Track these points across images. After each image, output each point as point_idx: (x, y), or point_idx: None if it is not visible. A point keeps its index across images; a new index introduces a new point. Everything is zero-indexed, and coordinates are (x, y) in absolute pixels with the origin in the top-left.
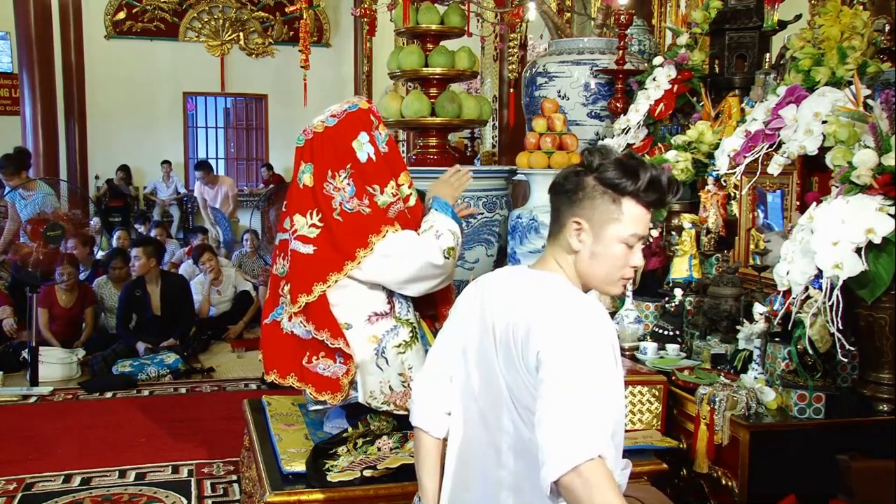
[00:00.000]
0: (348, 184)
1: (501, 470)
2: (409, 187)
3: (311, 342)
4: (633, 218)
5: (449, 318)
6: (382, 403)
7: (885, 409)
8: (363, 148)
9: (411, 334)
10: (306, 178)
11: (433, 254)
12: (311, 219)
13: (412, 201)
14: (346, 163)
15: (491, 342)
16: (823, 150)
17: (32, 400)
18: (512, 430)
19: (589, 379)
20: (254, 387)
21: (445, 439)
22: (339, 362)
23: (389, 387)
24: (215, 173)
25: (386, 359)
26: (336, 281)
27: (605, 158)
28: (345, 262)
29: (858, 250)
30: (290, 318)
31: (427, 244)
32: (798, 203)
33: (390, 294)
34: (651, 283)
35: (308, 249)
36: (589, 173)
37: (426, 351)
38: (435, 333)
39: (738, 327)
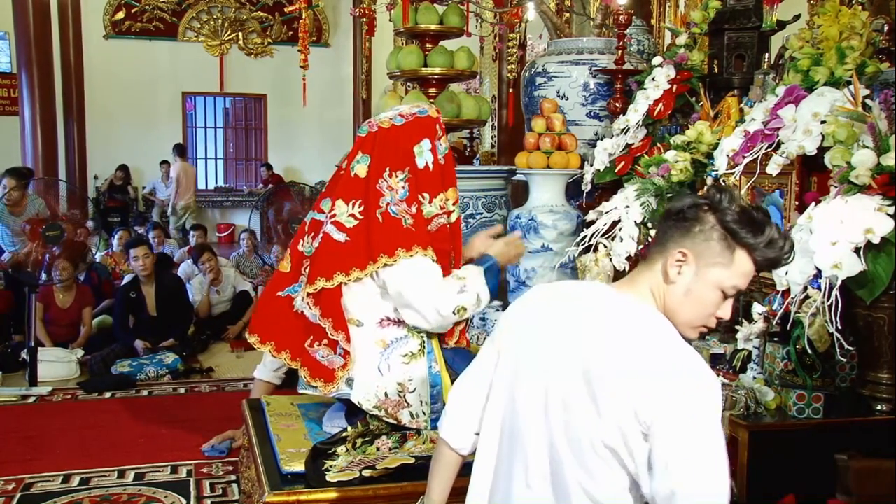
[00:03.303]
0: (403, 186)
1: (527, 490)
2: (454, 203)
3: (317, 327)
4: (741, 270)
5: (497, 331)
6: (374, 407)
7: (884, 408)
8: (423, 154)
9: (420, 346)
10: (359, 169)
11: (444, 302)
12: (353, 209)
13: (454, 217)
14: (405, 165)
15: (556, 368)
16: (822, 150)
17: (31, 400)
18: (546, 453)
19: (718, 444)
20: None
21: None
22: (339, 354)
23: (385, 393)
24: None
25: (389, 365)
26: (357, 278)
27: (733, 203)
28: (368, 262)
29: (857, 250)
30: (302, 298)
31: (445, 291)
32: (797, 203)
33: None
34: None
35: (340, 237)
36: (714, 211)
37: (429, 367)
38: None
39: (736, 327)
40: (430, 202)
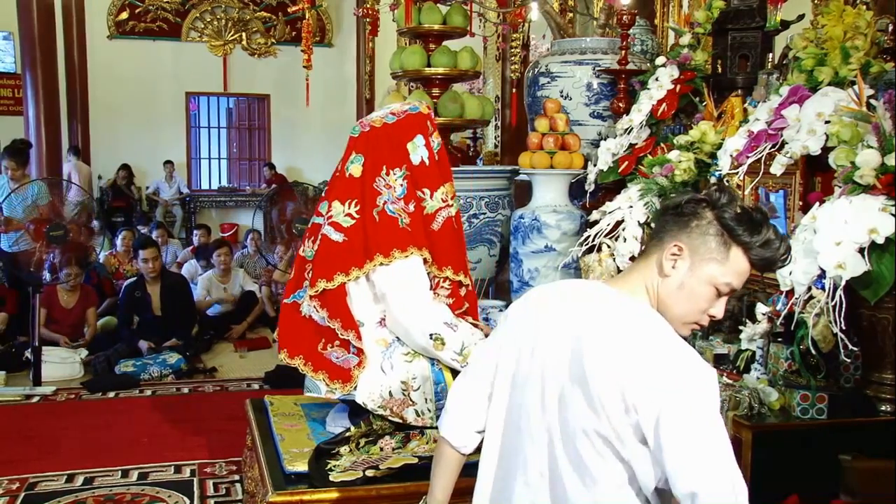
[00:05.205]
0: (401, 184)
1: (526, 489)
2: (452, 198)
3: (327, 329)
4: (735, 268)
5: (497, 330)
6: (379, 407)
7: (888, 409)
8: (417, 151)
9: None
10: (354, 169)
11: (425, 323)
12: (349, 208)
13: (453, 210)
14: (401, 162)
15: (552, 365)
16: (826, 150)
17: (35, 400)
18: (546, 451)
19: (722, 435)
20: (256, 387)
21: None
22: (353, 353)
23: (389, 392)
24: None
25: (392, 364)
26: (356, 277)
27: (732, 202)
28: (366, 261)
29: (861, 250)
30: (308, 303)
31: (430, 311)
32: (801, 203)
33: None
34: None
35: (338, 237)
36: (712, 208)
37: (432, 365)
38: None
39: (740, 327)
40: (432, 196)
